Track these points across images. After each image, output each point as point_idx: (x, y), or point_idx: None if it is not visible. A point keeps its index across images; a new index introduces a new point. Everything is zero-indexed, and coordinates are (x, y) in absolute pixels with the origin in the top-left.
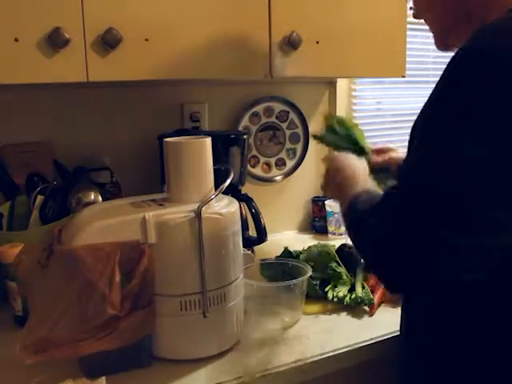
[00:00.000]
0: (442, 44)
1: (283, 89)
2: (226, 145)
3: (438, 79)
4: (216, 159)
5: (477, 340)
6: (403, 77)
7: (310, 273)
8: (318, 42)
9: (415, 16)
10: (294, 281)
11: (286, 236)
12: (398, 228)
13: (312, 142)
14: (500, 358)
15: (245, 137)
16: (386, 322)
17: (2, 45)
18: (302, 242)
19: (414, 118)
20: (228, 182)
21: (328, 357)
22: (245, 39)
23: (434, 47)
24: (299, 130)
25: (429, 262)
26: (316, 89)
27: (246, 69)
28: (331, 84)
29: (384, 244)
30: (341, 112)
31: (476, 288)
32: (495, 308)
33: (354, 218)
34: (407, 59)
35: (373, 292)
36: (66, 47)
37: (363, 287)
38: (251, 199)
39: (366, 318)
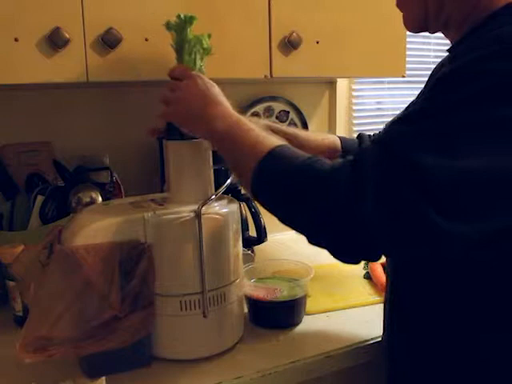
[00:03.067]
0: (416, 27)
1: (283, 89)
2: None
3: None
4: (216, 159)
5: (465, 338)
6: (403, 77)
7: (311, 273)
8: (318, 42)
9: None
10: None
11: (286, 236)
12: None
13: None
14: (486, 356)
15: None
16: None
17: (2, 45)
18: (302, 241)
19: None
20: (228, 182)
21: (328, 357)
22: (245, 39)
23: (434, 47)
24: None
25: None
26: (316, 89)
27: (246, 69)
28: (331, 84)
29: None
30: (341, 112)
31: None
32: (484, 305)
33: (300, 178)
34: (407, 59)
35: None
36: (66, 47)
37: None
38: (251, 199)
39: (365, 318)
